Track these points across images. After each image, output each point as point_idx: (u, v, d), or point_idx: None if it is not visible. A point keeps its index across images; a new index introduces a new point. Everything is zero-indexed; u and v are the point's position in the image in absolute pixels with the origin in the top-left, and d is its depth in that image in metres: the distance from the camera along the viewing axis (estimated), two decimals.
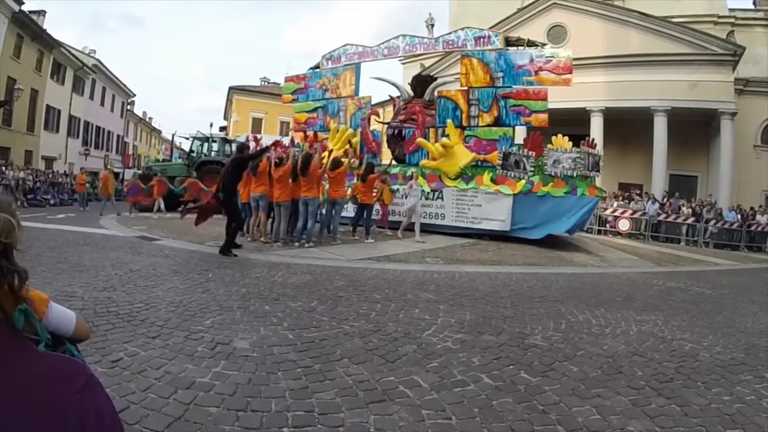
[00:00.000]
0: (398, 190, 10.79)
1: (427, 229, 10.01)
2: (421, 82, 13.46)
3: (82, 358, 1.28)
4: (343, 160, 9.05)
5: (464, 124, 11.97)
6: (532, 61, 11.18)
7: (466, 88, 11.96)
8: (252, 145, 8.94)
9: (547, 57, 11.08)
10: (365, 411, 2.24)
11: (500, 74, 11.57)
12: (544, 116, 11.14)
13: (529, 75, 11.20)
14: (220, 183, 7.16)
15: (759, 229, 16.17)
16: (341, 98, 13.65)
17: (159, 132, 53.65)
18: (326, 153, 9.48)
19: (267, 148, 8.67)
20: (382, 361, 2.91)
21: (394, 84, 14.05)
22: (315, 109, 14.17)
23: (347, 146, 11.39)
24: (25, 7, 21.92)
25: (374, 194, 9.81)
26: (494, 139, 11.25)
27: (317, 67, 14.23)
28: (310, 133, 13.42)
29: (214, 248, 7.23)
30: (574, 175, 10.30)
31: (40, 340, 1.17)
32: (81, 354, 1.31)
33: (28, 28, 22.68)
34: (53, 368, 1.15)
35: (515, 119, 11.40)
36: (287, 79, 14.99)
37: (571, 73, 10.91)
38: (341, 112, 13.61)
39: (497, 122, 11.50)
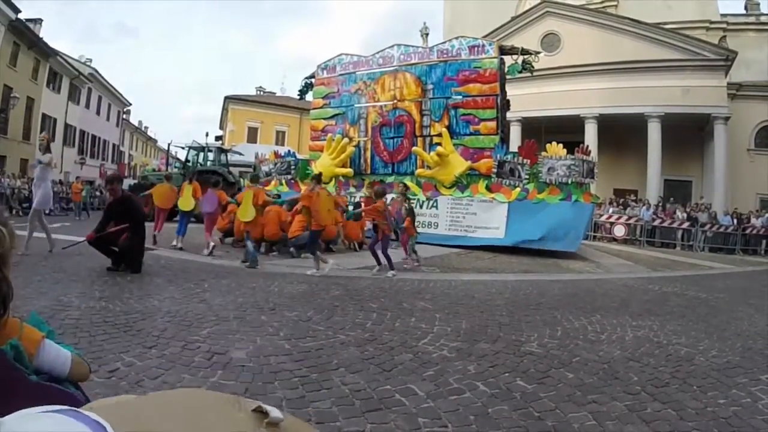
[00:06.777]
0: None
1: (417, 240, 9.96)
2: None
3: (80, 393, 1.19)
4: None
5: (417, 133, 12.11)
6: (459, 72, 11.43)
7: (420, 99, 12.11)
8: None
9: (473, 67, 11.31)
10: (362, 419, 2.24)
11: (430, 86, 11.86)
12: (492, 124, 11.27)
13: (457, 86, 11.44)
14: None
15: (754, 232, 16.29)
16: (362, 105, 13.00)
17: (155, 141, 53.50)
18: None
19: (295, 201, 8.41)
20: (378, 370, 2.91)
21: None
22: (333, 116, 13.48)
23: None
24: (21, 15, 21.91)
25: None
26: (481, 148, 11.28)
27: (312, 76, 14.17)
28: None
29: (210, 258, 7.23)
30: (569, 182, 10.37)
31: (29, 375, 1.10)
32: (80, 390, 1.20)
33: (25, 37, 22.71)
34: (44, 401, 1.06)
35: (465, 128, 11.54)
36: (318, 82, 13.99)
37: (496, 81, 11.14)
38: (361, 120, 12.98)
39: (449, 131, 11.58)
